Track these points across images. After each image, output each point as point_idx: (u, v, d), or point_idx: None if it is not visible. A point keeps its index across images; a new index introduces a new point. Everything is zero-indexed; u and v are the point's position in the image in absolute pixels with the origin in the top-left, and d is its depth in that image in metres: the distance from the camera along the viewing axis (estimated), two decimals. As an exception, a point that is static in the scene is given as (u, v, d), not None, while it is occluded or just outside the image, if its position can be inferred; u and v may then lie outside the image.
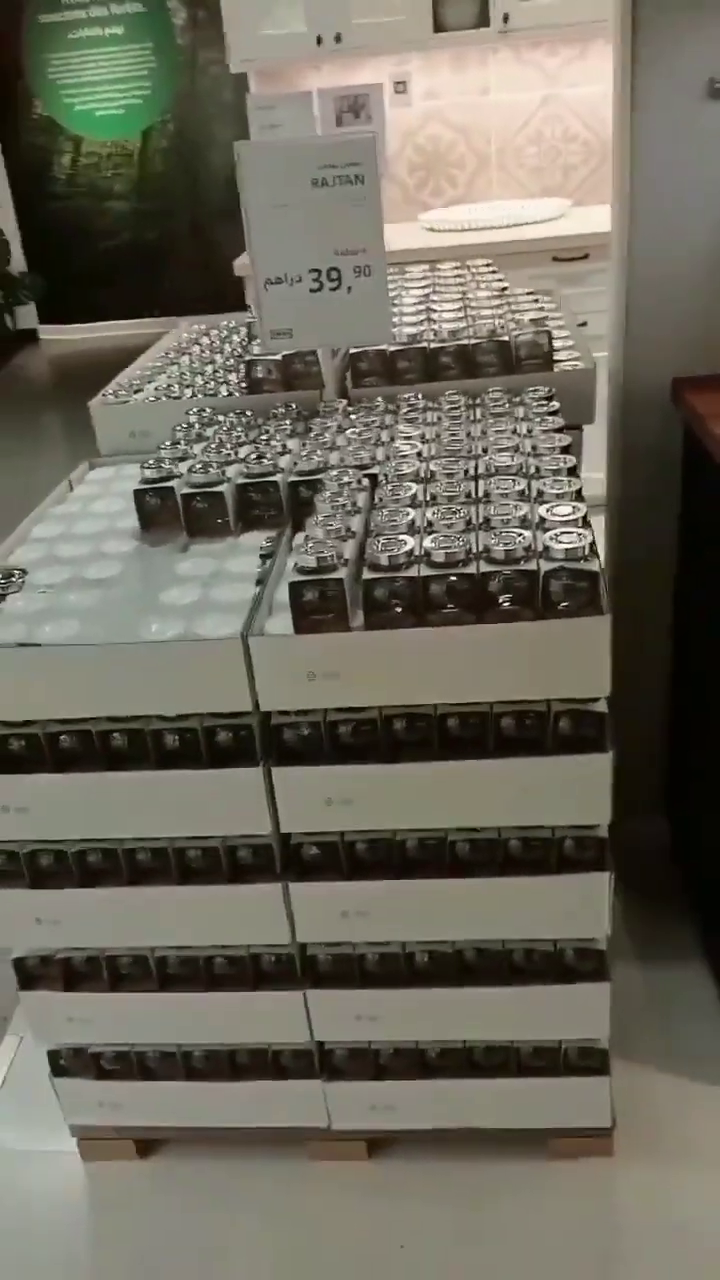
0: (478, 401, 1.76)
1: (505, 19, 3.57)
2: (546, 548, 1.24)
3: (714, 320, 1.85)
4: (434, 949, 1.48)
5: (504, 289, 2.19)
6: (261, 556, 1.45)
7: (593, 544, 1.24)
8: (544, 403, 1.71)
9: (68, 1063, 1.63)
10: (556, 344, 1.89)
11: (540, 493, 1.38)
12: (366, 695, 1.28)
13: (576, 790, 1.33)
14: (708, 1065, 1.77)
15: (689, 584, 1.99)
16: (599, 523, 2.08)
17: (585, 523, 1.29)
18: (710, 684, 1.87)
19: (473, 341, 1.83)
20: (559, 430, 1.58)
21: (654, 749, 2.22)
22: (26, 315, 7.61)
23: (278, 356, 1.83)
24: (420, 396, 1.79)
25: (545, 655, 1.24)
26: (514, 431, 1.60)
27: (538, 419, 1.65)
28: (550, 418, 1.65)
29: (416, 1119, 1.61)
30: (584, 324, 1.92)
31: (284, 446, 1.63)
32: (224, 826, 1.39)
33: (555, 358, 1.85)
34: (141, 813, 1.38)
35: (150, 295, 7.34)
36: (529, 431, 1.60)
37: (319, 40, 3.59)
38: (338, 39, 3.58)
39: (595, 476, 2.05)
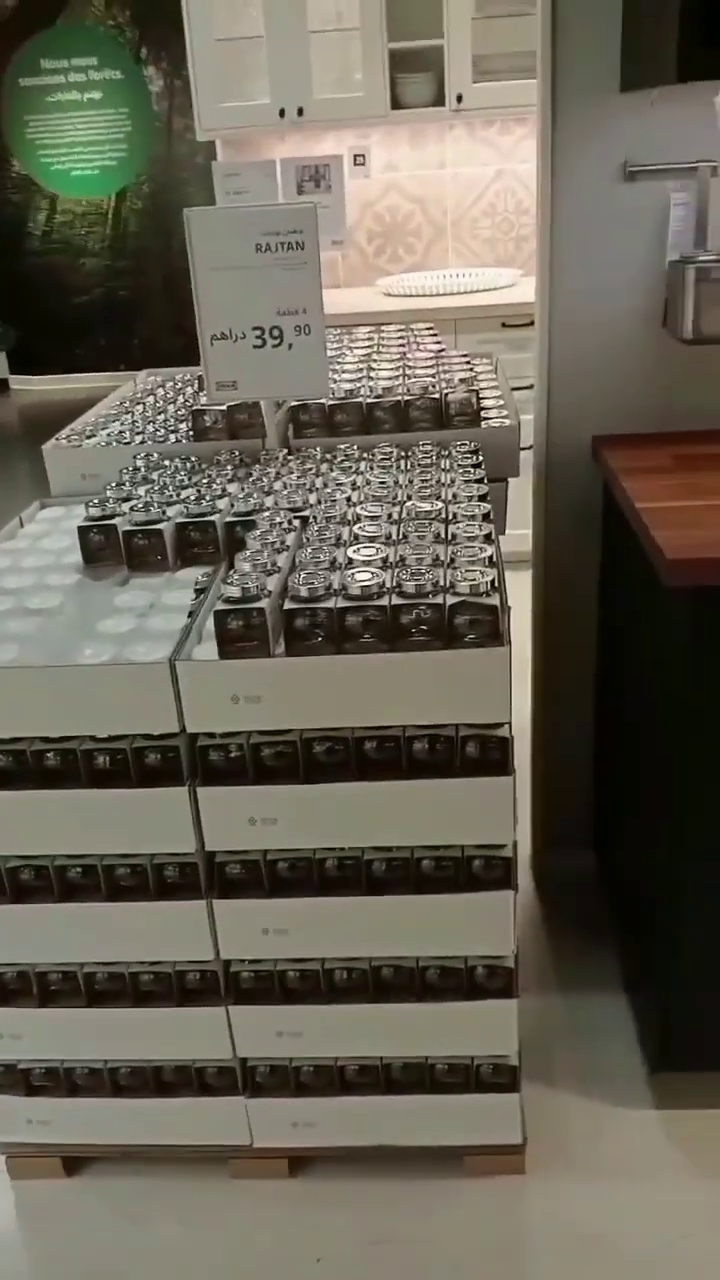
0: (408, 453, 1.88)
1: (459, 99, 3.78)
2: (453, 584, 1.34)
3: (628, 384, 1.99)
4: (352, 966, 1.55)
5: (440, 351, 2.33)
6: (196, 590, 1.54)
7: (494, 582, 1.35)
8: (468, 456, 1.84)
9: (-2, 1079, 1.67)
10: (486, 403, 2.02)
11: (453, 536, 1.49)
12: (287, 719, 1.37)
13: (482, 811, 1.42)
14: (619, 1085, 1.85)
15: (609, 626, 2.10)
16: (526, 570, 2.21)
17: (491, 562, 1.40)
18: (623, 723, 1.98)
19: (406, 398, 1.96)
20: (480, 481, 1.70)
21: (583, 782, 2.32)
22: (-2, 364, 7.77)
23: (223, 407, 1.95)
24: (355, 447, 1.91)
25: (451, 683, 1.34)
26: (437, 481, 1.72)
27: (461, 471, 1.77)
28: (473, 470, 1.77)
29: (336, 1136, 1.67)
30: (530, 387, 2.06)
31: (224, 490, 1.73)
32: (151, 845, 1.46)
33: (483, 415, 1.98)
34: (73, 830, 1.45)
35: (121, 349, 7.52)
36: (451, 481, 1.72)
37: (282, 113, 3.77)
38: (300, 112, 3.76)
39: (522, 533, 2.19)
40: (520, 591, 2.11)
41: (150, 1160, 1.75)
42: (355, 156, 4.08)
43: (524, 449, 1.94)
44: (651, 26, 1.57)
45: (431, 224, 4.26)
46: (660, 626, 1.62)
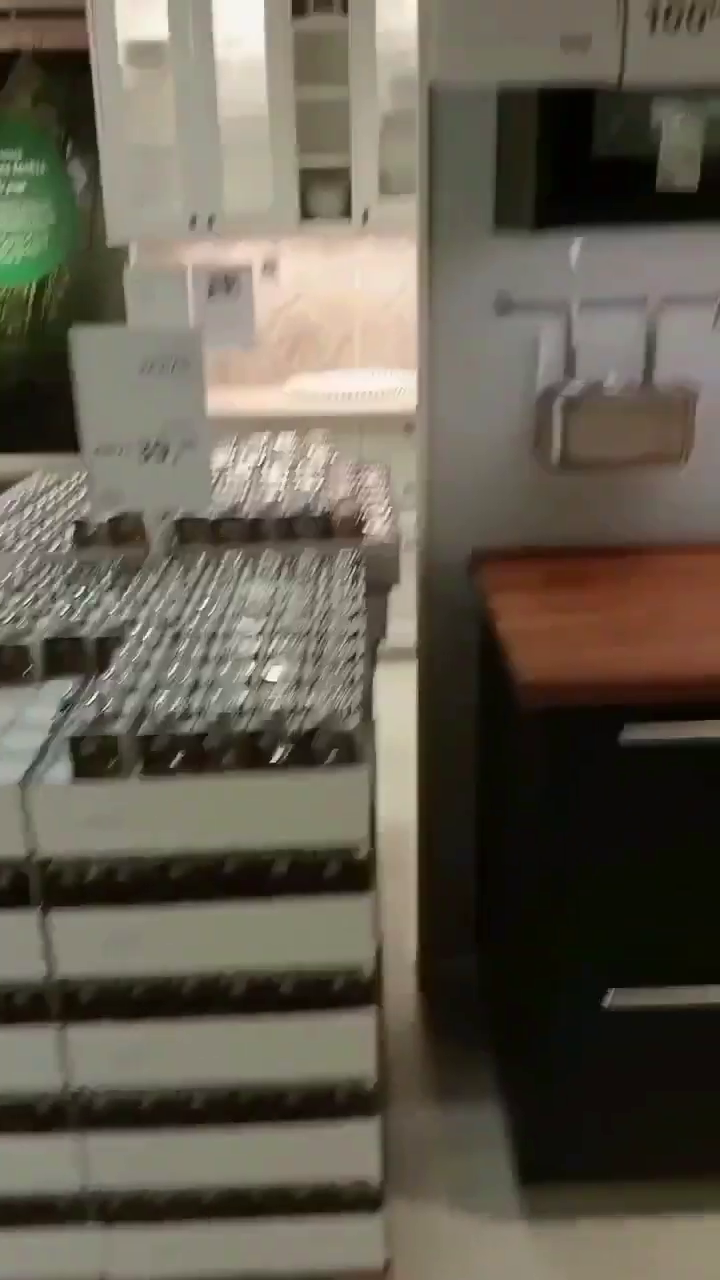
0: (291, 565, 1.92)
1: (365, 215, 3.94)
2: (314, 707, 1.36)
3: (504, 503, 2.07)
4: (210, 1090, 1.53)
5: (331, 461, 2.39)
6: (62, 705, 1.54)
7: (354, 705, 1.37)
8: (349, 569, 1.88)
9: None
10: (373, 513, 2.08)
11: (321, 655, 1.52)
12: (143, 841, 1.36)
13: (342, 931, 1.42)
14: (490, 1198, 1.83)
15: (486, 735, 2.15)
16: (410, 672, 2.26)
17: (355, 683, 1.43)
18: (496, 830, 2.01)
19: (290, 512, 2.00)
20: (357, 598, 1.73)
21: (466, 885, 2.34)
22: None
23: (106, 517, 1.97)
24: (239, 558, 1.94)
25: (311, 804, 1.35)
26: (314, 596, 1.75)
27: (340, 584, 1.80)
28: (352, 583, 1.81)
29: (196, 1264, 1.62)
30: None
31: (99, 600, 1.74)
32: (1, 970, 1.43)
33: (367, 526, 2.03)
34: None
35: (36, 433, 7.53)
36: (328, 595, 1.76)
37: (193, 222, 3.89)
38: (210, 221, 3.88)
39: (406, 630, 2.24)
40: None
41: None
42: (266, 264, 4.21)
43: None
44: (513, 175, 1.67)
45: (341, 329, 4.40)
46: (518, 744, 1.66)
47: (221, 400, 4.14)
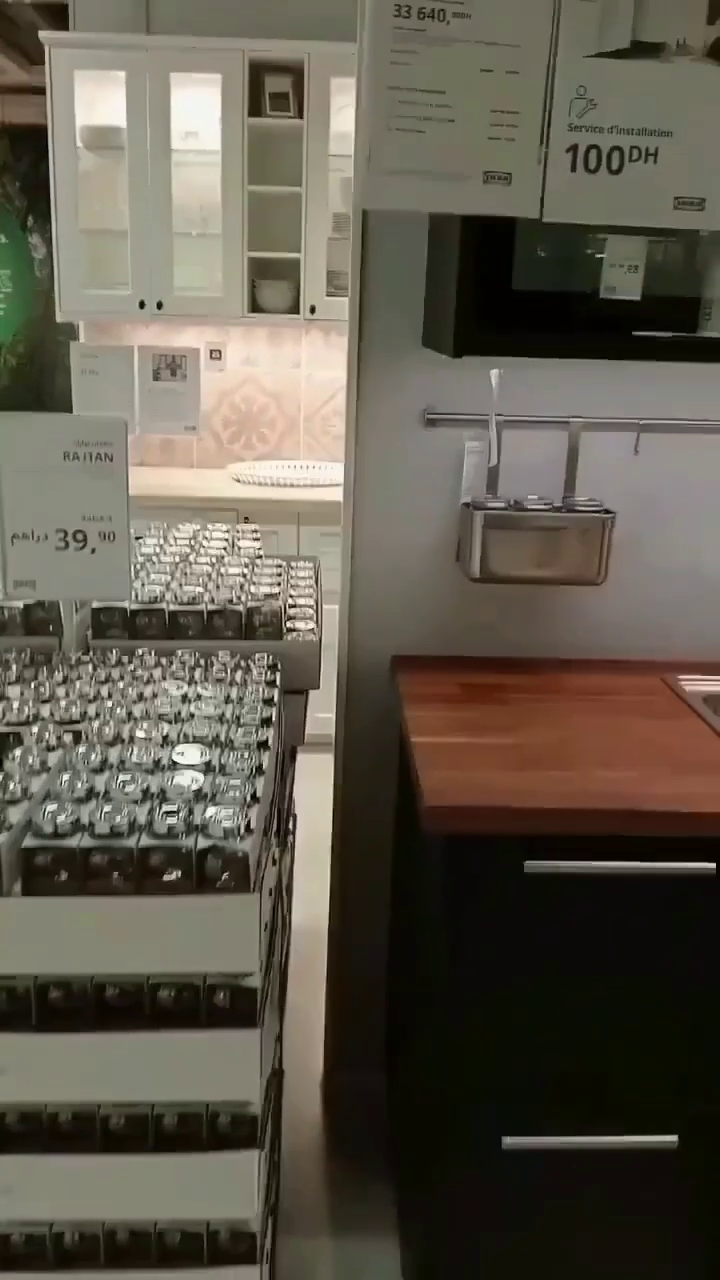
0: (207, 664, 1.87)
1: (312, 309, 4.00)
2: (207, 825, 1.31)
3: (425, 611, 2.06)
4: (83, 1229, 1.43)
5: (258, 555, 2.37)
6: (-51, 808, 1.47)
7: (250, 824, 1.32)
8: (266, 670, 1.84)
9: None
10: (297, 611, 2.05)
11: (224, 766, 1.47)
12: (21, 962, 1.29)
13: (228, 1064, 1.35)
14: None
15: (400, 846, 2.10)
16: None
17: (255, 798, 1.38)
18: (406, 942, 1.95)
19: (211, 607, 1.97)
20: (270, 702, 1.70)
21: (376, 998, 2.27)
22: None
23: (19, 604, 1.92)
24: (154, 654, 1.90)
25: (199, 930, 1.29)
26: (226, 699, 1.71)
27: (254, 687, 1.76)
28: (267, 686, 1.77)
29: None
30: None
31: (2, 693, 1.68)
32: None
33: (289, 625, 2.00)
34: None
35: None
36: (241, 699, 1.72)
37: (142, 304, 3.91)
38: (159, 305, 3.91)
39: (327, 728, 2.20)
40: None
41: None
42: (213, 351, 4.24)
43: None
44: (439, 299, 1.69)
45: (285, 417, 4.43)
46: (425, 863, 1.62)
47: (161, 481, 4.14)
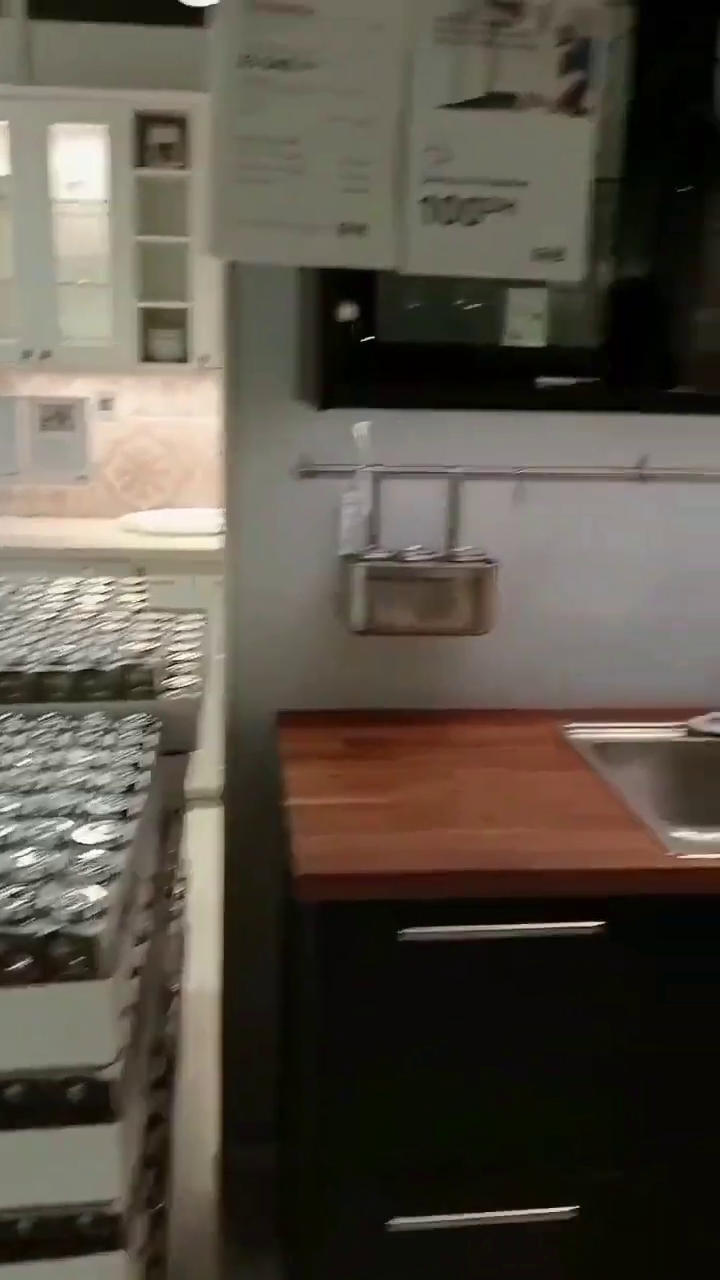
0: (76, 728, 1.79)
1: (203, 359, 3.97)
2: (54, 907, 1.23)
3: (308, 665, 2.01)
4: None
5: (139, 611, 2.29)
6: None
7: (104, 906, 1.24)
8: (139, 732, 1.76)
9: None
10: (179, 668, 1.98)
11: (79, 841, 1.39)
12: None
13: (85, 1164, 1.26)
14: None
15: (287, 914, 2.03)
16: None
17: (111, 877, 1.30)
18: (292, 1007, 1.87)
19: (81, 668, 1.89)
20: (141, 765, 1.62)
21: (269, 1069, 2.17)
22: None
23: None
24: (19, 719, 1.80)
25: (47, 1021, 1.20)
26: (92, 765, 1.63)
27: (125, 751, 1.68)
28: (139, 751, 1.69)
29: None
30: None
31: None
32: None
33: (170, 684, 1.93)
34: None
35: None
36: (107, 766, 1.63)
37: (27, 354, 3.83)
38: (45, 355, 3.83)
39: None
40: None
41: None
42: (103, 401, 4.17)
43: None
44: (307, 351, 1.66)
45: (180, 466, 4.38)
46: (300, 929, 1.55)
47: (52, 532, 4.04)
